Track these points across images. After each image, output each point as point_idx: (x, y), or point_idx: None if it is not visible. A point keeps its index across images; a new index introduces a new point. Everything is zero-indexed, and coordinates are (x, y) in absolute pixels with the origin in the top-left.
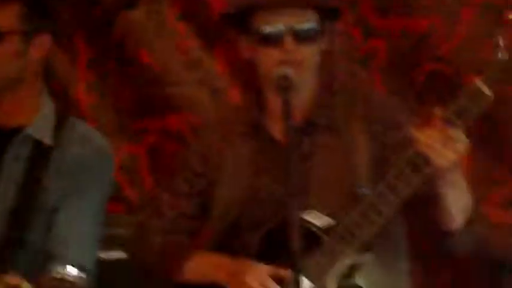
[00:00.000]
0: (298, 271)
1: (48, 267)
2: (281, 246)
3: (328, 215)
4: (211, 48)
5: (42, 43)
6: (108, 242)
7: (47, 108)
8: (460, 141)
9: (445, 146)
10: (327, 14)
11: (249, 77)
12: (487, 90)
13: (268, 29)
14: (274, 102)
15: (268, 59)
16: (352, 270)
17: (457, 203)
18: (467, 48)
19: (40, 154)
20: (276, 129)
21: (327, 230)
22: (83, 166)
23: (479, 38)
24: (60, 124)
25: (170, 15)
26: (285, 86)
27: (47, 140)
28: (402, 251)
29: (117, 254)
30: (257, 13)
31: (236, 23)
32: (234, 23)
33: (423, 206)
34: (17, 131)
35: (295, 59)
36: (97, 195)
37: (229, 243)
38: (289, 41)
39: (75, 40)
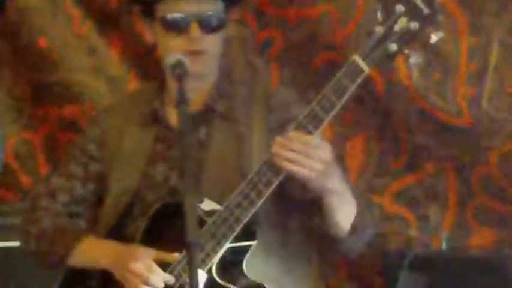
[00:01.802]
0: (194, 261)
1: None
2: (169, 229)
3: (220, 203)
4: (108, 34)
5: None
6: (2, 231)
7: None
8: (321, 148)
9: (307, 156)
10: (230, 2)
11: (146, 64)
12: (363, 64)
13: (173, 15)
14: (173, 89)
15: (173, 47)
16: (236, 257)
17: (340, 210)
18: (362, 37)
19: None
20: (174, 117)
21: (211, 214)
22: None
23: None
24: None
25: (66, 0)
26: (180, 73)
27: None
28: (298, 246)
29: (11, 243)
30: (163, 0)
31: (142, 8)
32: (140, 9)
33: (312, 207)
34: None
35: (201, 48)
36: None
37: (120, 230)
38: (195, 29)
39: None
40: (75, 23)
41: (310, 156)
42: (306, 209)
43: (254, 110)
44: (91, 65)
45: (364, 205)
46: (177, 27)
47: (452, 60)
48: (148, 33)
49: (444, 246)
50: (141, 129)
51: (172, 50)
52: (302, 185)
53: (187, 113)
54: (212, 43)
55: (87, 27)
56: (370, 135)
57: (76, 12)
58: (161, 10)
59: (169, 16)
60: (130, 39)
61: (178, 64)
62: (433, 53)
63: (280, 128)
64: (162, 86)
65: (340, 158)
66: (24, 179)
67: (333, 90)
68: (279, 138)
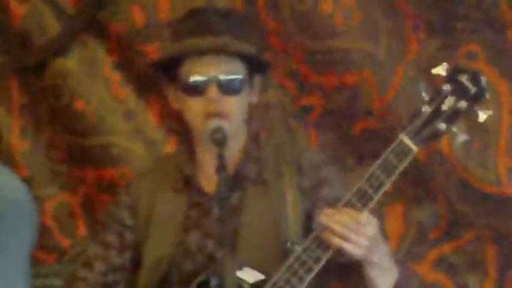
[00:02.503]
0: None
1: None
2: None
3: (257, 269)
4: (147, 98)
5: None
6: None
7: None
8: (370, 225)
9: (356, 233)
10: (256, 66)
11: (181, 129)
12: (411, 144)
13: (193, 78)
14: (203, 154)
15: (193, 109)
16: None
17: (383, 281)
18: (399, 104)
19: None
20: (206, 182)
21: (258, 287)
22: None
23: (411, 94)
24: None
25: (105, 63)
26: (219, 139)
27: None
28: None
29: None
30: (184, 63)
31: (164, 72)
32: (162, 73)
33: (349, 271)
34: None
35: (220, 109)
36: (18, 252)
37: None
38: (213, 91)
39: (8, 84)
40: (114, 87)
41: (359, 233)
42: (342, 271)
43: (285, 173)
44: (130, 129)
45: (403, 272)
46: (196, 90)
47: (493, 130)
48: (173, 98)
49: None
50: (173, 195)
51: (193, 112)
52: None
53: (227, 180)
54: (233, 105)
55: (126, 91)
56: (409, 203)
57: (115, 76)
58: (181, 74)
59: (189, 79)
60: (169, 103)
61: (218, 129)
62: (477, 128)
63: (312, 190)
64: (191, 151)
65: (380, 226)
66: (63, 241)
67: (381, 168)
68: (328, 210)
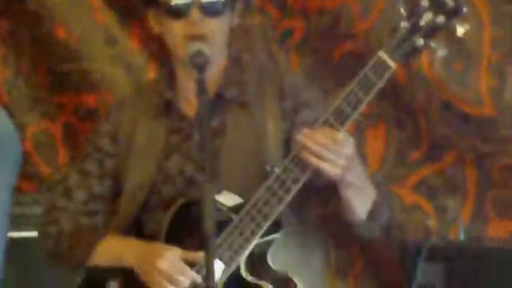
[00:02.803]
0: (212, 255)
1: None
2: (192, 224)
3: (238, 193)
4: (128, 23)
5: None
6: (21, 221)
7: None
8: (347, 144)
9: (333, 152)
10: None
11: (161, 53)
12: (389, 61)
13: (175, 1)
14: (184, 78)
15: (175, 33)
16: (261, 250)
17: (357, 200)
18: (383, 27)
19: None
20: (187, 106)
21: (237, 209)
22: None
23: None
24: None
25: None
26: (200, 62)
27: None
28: (315, 232)
29: (30, 233)
30: None
31: None
32: None
33: (327, 192)
34: None
35: (202, 32)
36: (3, 182)
37: (140, 225)
38: (195, 13)
39: None
40: (96, 12)
41: (336, 152)
42: (321, 195)
43: (266, 95)
44: (111, 54)
45: (383, 193)
46: (178, 13)
47: (475, 51)
48: (154, 22)
49: (462, 236)
50: (154, 121)
51: (174, 35)
52: (319, 173)
53: (207, 104)
54: (214, 28)
55: (108, 17)
56: (389, 125)
57: (97, 2)
58: None
59: (171, 2)
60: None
61: (199, 53)
62: (456, 44)
63: (293, 113)
64: (172, 76)
65: (359, 148)
66: (43, 169)
67: (359, 86)
68: (306, 130)
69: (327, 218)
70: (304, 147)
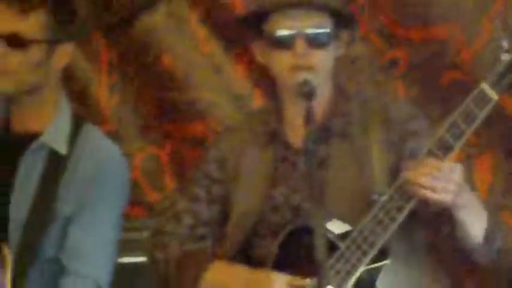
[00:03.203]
0: (325, 281)
1: (61, 280)
2: (299, 253)
3: (344, 222)
4: (233, 52)
5: (65, 52)
6: (130, 247)
7: (64, 114)
8: (454, 170)
9: (441, 181)
10: (342, 20)
11: (268, 82)
12: (491, 93)
13: (280, 32)
14: (290, 107)
15: (280, 63)
16: (370, 276)
17: (471, 222)
18: (486, 57)
19: (54, 163)
20: (293, 136)
21: (344, 237)
22: (95, 177)
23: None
24: (75, 131)
25: (191, 18)
26: (307, 92)
27: (62, 148)
28: (424, 258)
29: (139, 259)
30: (271, 17)
31: (251, 26)
32: (249, 27)
33: (438, 222)
34: (33, 137)
35: (307, 63)
36: (111, 207)
37: (248, 252)
38: (300, 45)
39: (95, 41)
40: (201, 41)
41: (444, 180)
42: (431, 224)
43: (371, 126)
44: (216, 83)
45: (495, 217)
46: (283, 44)
47: None
48: (259, 53)
49: None
50: (260, 149)
51: (280, 66)
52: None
53: (315, 133)
54: (320, 58)
55: (212, 46)
56: (498, 154)
57: (201, 31)
58: (268, 28)
59: (276, 34)
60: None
61: (306, 83)
62: None
63: (400, 142)
64: (278, 106)
65: (468, 178)
66: (151, 195)
67: (462, 117)
68: (411, 163)
69: (437, 245)
70: (413, 182)
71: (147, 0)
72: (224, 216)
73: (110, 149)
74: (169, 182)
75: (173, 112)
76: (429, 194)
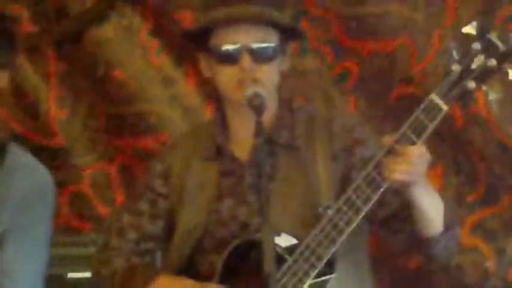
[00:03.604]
0: None
1: None
2: (245, 268)
3: (290, 235)
4: (184, 65)
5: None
6: (78, 262)
7: None
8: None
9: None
10: (289, 33)
11: (214, 96)
12: (441, 103)
13: (225, 47)
14: (235, 121)
15: (226, 78)
16: None
17: (432, 208)
18: (438, 70)
19: None
20: (238, 149)
21: (290, 251)
22: (28, 200)
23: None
24: (1, 155)
25: (142, 30)
26: (258, 104)
27: None
28: (366, 269)
29: (85, 274)
30: (216, 31)
31: (197, 41)
32: (195, 41)
33: (397, 220)
34: None
35: (253, 77)
36: (44, 229)
37: (193, 265)
38: (246, 60)
39: (45, 54)
40: (151, 54)
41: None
42: (386, 224)
43: (316, 138)
44: (167, 96)
45: (452, 206)
46: (229, 59)
47: None
48: (205, 67)
49: None
50: (206, 163)
51: (225, 80)
52: (382, 202)
53: (264, 145)
54: (265, 73)
55: (163, 58)
56: (447, 167)
57: (152, 43)
58: (213, 43)
59: (221, 48)
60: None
61: (256, 95)
62: (510, 86)
63: (345, 152)
64: (223, 119)
65: None
66: (101, 209)
67: (412, 128)
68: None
69: (382, 258)
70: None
71: (97, 13)
72: (169, 231)
73: (39, 169)
74: (119, 197)
75: (123, 126)
76: (401, 177)
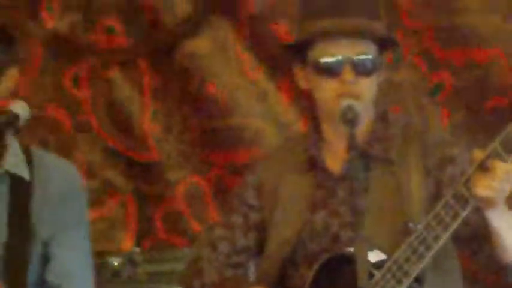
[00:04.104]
0: None
1: None
2: (336, 280)
3: (380, 250)
4: (278, 78)
5: (12, 76)
6: (173, 277)
7: (14, 141)
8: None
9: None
10: (385, 45)
11: (309, 108)
12: None
13: (327, 59)
14: (331, 134)
15: (326, 91)
16: None
17: (510, 235)
18: None
19: (21, 190)
20: (332, 163)
21: (379, 266)
22: (66, 199)
23: None
24: (29, 158)
25: (235, 44)
26: (351, 118)
27: (25, 174)
28: (459, 284)
29: None
30: (316, 43)
31: (295, 53)
32: (293, 54)
33: (477, 241)
34: None
35: (354, 91)
36: (86, 225)
37: (285, 278)
38: (347, 72)
39: (139, 68)
40: (246, 68)
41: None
42: (468, 243)
43: (410, 152)
44: (262, 110)
45: None
46: (329, 71)
47: None
48: (302, 79)
49: None
50: (299, 176)
51: (326, 93)
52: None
53: (358, 159)
54: (366, 86)
55: (258, 72)
56: None
57: (246, 57)
58: (313, 55)
59: (321, 60)
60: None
61: (350, 109)
62: None
63: (436, 170)
64: (318, 131)
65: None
66: (194, 224)
67: (502, 144)
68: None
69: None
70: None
71: (191, 26)
72: (261, 244)
73: (69, 167)
74: (212, 211)
75: (218, 140)
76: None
